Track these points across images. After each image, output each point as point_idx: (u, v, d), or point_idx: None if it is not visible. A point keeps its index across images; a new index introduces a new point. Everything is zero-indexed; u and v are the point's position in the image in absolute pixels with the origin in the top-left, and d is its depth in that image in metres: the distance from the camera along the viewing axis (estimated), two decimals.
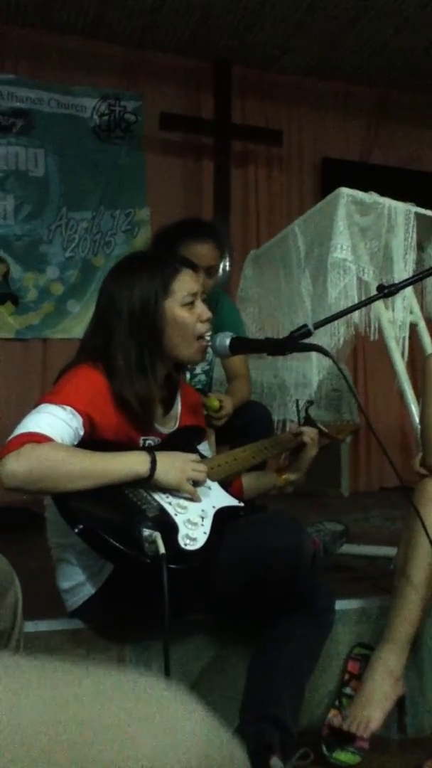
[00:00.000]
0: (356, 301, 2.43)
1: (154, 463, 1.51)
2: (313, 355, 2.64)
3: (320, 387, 4.24)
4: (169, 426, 1.74)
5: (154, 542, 1.39)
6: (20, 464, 1.38)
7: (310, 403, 2.10)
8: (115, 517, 1.46)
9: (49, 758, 0.54)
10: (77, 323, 4.86)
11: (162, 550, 1.38)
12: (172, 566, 1.37)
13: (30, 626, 1.61)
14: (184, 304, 1.64)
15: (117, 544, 1.41)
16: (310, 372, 2.71)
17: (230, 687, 1.77)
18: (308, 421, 1.97)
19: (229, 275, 4.98)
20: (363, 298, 2.42)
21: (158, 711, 0.60)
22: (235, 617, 1.76)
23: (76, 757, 0.55)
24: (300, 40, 5.12)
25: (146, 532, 1.41)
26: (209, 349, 2.48)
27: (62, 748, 0.55)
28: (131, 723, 0.58)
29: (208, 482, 1.64)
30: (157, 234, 2.56)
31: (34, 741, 0.55)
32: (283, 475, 1.94)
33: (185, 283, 1.66)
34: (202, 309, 1.68)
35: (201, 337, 1.68)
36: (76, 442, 1.49)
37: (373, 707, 1.70)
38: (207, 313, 1.69)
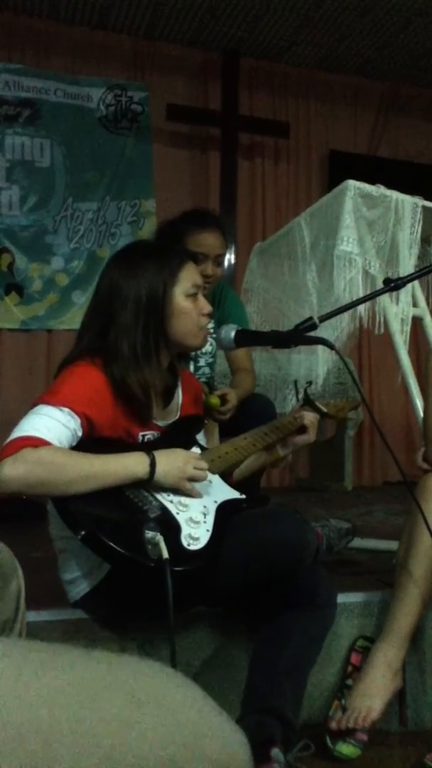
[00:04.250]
0: (361, 295, 2.42)
1: (153, 465, 1.50)
2: (319, 348, 2.64)
3: (325, 380, 4.25)
4: (169, 419, 1.73)
5: (157, 545, 1.38)
6: (17, 469, 1.37)
7: (309, 383, 2.08)
8: (117, 520, 1.45)
9: (50, 742, 0.54)
10: (82, 314, 4.81)
11: (165, 554, 1.36)
12: (176, 569, 1.36)
13: (32, 616, 1.62)
14: (188, 294, 1.64)
15: (120, 549, 1.40)
16: (316, 365, 2.70)
17: (232, 679, 1.77)
18: (308, 402, 1.95)
19: (235, 268, 4.97)
20: (368, 292, 2.42)
21: (159, 696, 0.60)
22: (238, 610, 1.76)
23: (76, 740, 0.55)
24: (309, 32, 5.09)
25: (149, 534, 1.40)
26: (213, 342, 2.49)
27: (63, 732, 0.55)
28: (132, 708, 0.58)
29: (209, 475, 1.64)
30: (160, 228, 2.56)
31: (35, 724, 0.55)
32: (275, 453, 1.93)
33: (191, 274, 1.66)
34: (203, 302, 1.68)
35: (202, 328, 1.68)
36: (74, 444, 1.48)
37: (373, 698, 1.70)
38: (208, 307, 1.69)
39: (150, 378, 1.59)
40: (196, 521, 1.52)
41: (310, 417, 1.88)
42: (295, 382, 2.26)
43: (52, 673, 0.60)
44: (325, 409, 1.96)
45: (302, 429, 1.88)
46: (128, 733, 0.56)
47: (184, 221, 2.42)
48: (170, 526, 1.47)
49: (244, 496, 1.68)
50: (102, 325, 1.62)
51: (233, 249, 5.04)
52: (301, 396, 1.99)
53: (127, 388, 1.55)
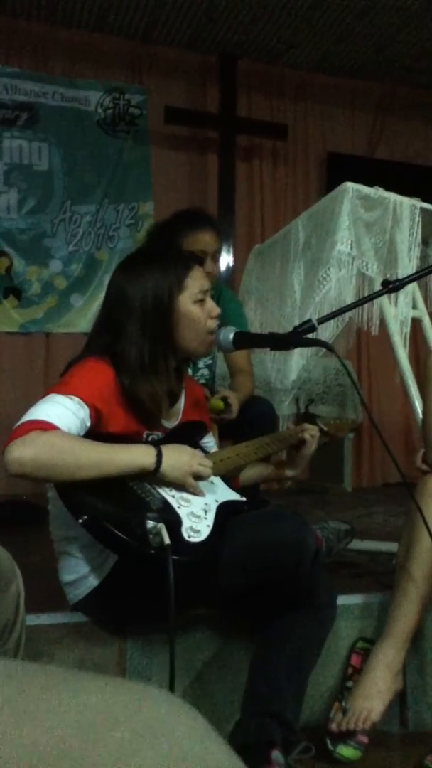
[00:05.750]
0: (354, 296, 2.43)
1: (159, 457, 1.51)
2: (296, 351, 2.64)
3: (325, 382, 4.25)
4: (172, 420, 1.73)
5: (158, 534, 1.40)
6: (26, 451, 1.38)
7: (310, 401, 2.11)
8: (120, 509, 1.46)
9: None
10: (80, 317, 4.86)
11: (167, 540, 1.38)
12: (176, 557, 1.37)
13: (32, 619, 1.62)
14: (195, 300, 1.64)
15: (121, 535, 1.41)
16: (289, 363, 2.71)
17: (232, 681, 1.77)
18: (308, 418, 1.98)
19: (233, 270, 4.97)
20: (363, 293, 2.42)
21: (162, 728, 0.60)
22: (238, 612, 1.76)
23: None
24: (306, 35, 5.10)
25: (150, 523, 1.42)
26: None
27: (61, 760, 0.55)
28: (135, 741, 0.58)
29: (211, 477, 1.64)
30: (153, 230, 2.56)
31: (37, 753, 0.55)
32: (282, 471, 1.95)
33: (197, 280, 1.66)
34: (211, 305, 1.68)
35: (211, 332, 1.69)
36: (82, 433, 1.49)
37: (373, 699, 1.70)
38: (216, 310, 1.69)
39: (159, 387, 1.60)
40: (197, 516, 1.53)
41: (311, 431, 1.91)
42: (297, 399, 2.28)
43: (54, 701, 0.60)
44: (325, 428, 1.99)
45: (302, 442, 1.90)
46: (131, 764, 0.56)
47: (179, 221, 2.43)
48: (171, 519, 1.48)
49: (245, 499, 1.69)
50: (110, 334, 1.62)
51: (232, 251, 5.04)
52: (302, 412, 2.01)
53: (136, 397, 1.57)
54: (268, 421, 2.43)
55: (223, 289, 2.72)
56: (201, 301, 1.66)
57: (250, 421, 2.33)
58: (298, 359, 2.66)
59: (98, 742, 0.56)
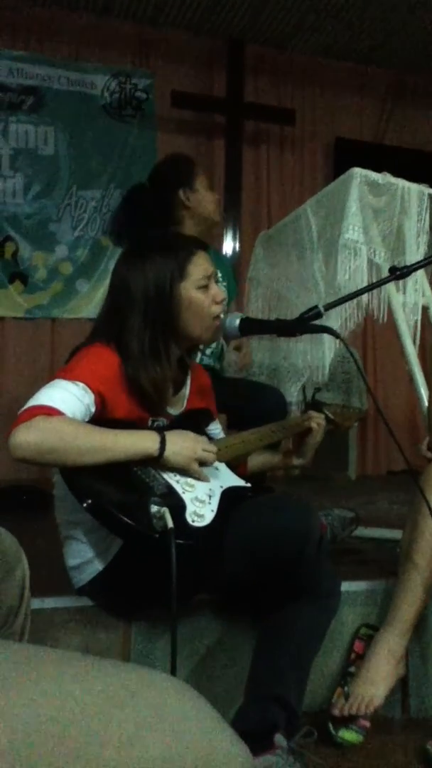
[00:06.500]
0: (366, 283, 2.41)
1: (163, 442, 1.51)
2: (325, 337, 2.63)
3: (330, 370, 4.24)
4: (177, 407, 1.74)
5: (162, 518, 1.40)
6: (30, 435, 1.39)
7: (317, 389, 2.10)
8: (124, 494, 1.47)
9: (55, 752, 0.54)
10: (86, 303, 4.85)
11: (170, 524, 1.39)
12: (179, 541, 1.37)
13: (37, 603, 1.62)
14: (199, 286, 1.64)
15: (125, 519, 1.42)
16: (322, 355, 2.69)
17: (236, 666, 1.78)
18: (315, 406, 1.98)
19: (240, 255, 4.95)
20: (373, 280, 2.40)
21: (169, 715, 0.60)
22: (242, 598, 1.77)
23: (81, 754, 0.55)
24: (314, 19, 5.05)
25: (154, 508, 1.43)
26: None
27: (69, 745, 0.55)
28: (141, 724, 0.58)
29: (216, 463, 1.65)
30: (164, 173, 2.61)
31: (43, 736, 0.55)
32: (290, 460, 1.96)
33: (200, 266, 1.65)
34: (216, 290, 1.67)
35: (216, 318, 1.68)
36: (87, 419, 1.49)
37: (376, 685, 1.71)
38: (221, 295, 1.68)
39: (161, 375, 1.60)
40: (201, 500, 1.54)
41: (317, 419, 1.90)
42: (304, 388, 2.27)
43: (59, 686, 0.60)
44: (332, 416, 1.98)
45: (308, 431, 1.90)
46: (135, 750, 0.56)
47: (186, 165, 2.57)
48: (175, 503, 1.49)
49: (249, 485, 1.69)
50: (114, 324, 1.63)
51: (238, 237, 5.02)
52: (309, 401, 2.01)
53: (138, 385, 1.57)
54: (278, 412, 2.42)
55: (217, 253, 2.74)
56: (205, 287, 1.65)
57: (260, 410, 2.32)
58: (328, 349, 2.65)
59: (104, 727, 0.57)
